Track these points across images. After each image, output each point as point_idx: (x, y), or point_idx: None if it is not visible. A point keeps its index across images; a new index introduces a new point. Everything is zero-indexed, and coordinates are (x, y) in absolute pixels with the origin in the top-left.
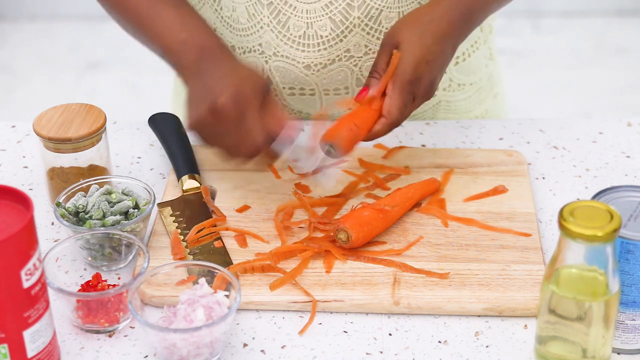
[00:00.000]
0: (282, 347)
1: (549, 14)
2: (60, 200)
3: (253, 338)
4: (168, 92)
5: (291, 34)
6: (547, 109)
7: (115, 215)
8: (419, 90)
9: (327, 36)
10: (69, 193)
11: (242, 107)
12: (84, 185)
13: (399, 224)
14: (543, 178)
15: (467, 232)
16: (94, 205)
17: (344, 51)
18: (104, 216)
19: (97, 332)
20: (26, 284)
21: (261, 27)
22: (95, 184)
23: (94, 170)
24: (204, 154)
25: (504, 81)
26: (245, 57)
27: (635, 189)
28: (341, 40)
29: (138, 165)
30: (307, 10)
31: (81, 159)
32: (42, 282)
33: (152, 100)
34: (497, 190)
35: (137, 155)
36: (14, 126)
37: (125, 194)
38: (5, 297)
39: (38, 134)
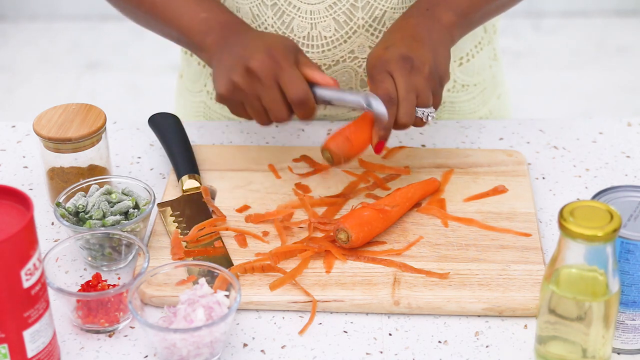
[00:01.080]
0: (282, 347)
1: (549, 14)
2: (60, 200)
3: (253, 338)
4: (168, 92)
5: (295, 35)
6: (547, 109)
7: (115, 215)
8: (391, 65)
9: (330, 37)
10: (69, 193)
11: (278, 61)
12: (84, 185)
13: (399, 224)
14: (543, 178)
15: (467, 232)
16: (94, 205)
17: (348, 52)
18: (104, 216)
19: (97, 332)
20: (26, 284)
21: (265, 28)
22: (95, 184)
23: (94, 170)
24: (204, 154)
25: (507, 82)
26: None
27: (635, 189)
28: (345, 42)
29: (138, 165)
30: (311, 11)
31: (81, 159)
32: (42, 282)
33: (152, 100)
34: (497, 190)
35: (137, 155)
36: (14, 126)
37: (125, 194)
38: (5, 297)
39: (38, 134)
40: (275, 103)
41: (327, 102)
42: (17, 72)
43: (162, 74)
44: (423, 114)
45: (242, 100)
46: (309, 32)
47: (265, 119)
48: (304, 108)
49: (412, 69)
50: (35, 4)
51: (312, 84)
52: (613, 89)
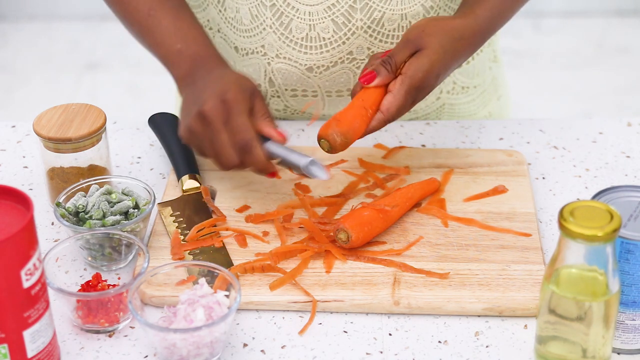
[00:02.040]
0: (282, 347)
1: (549, 14)
2: (60, 200)
3: (253, 338)
4: (168, 92)
5: (294, 36)
6: (547, 109)
7: (115, 215)
8: (419, 96)
9: (329, 38)
10: (69, 193)
11: (229, 108)
12: (84, 185)
13: (399, 224)
14: (543, 178)
15: (467, 232)
16: (94, 205)
17: (346, 54)
18: (104, 216)
19: (97, 332)
20: (26, 284)
21: (264, 29)
22: (95, 184)
23: (94, 170)
24: None
25: (507, 83)
26: (248, 58)
27: (635, 189)
28: (344, 43)
29: (138, 165)
30: (309, 13)
31: (81, 159)
32: (42, 282)
33: (152, 100)
34: (497, 190)
35: (137, 155)
36: (14, 126)
37: (125, 194)
38: (5, 297)
39: (38, 134)
40: (223, 148)
41: (274, 158)
42: (17, 72)
43: (162, 74)
44: None
45: (198, 144)
46: (307, 33)
47: (220, 163)
48: (248, 156)
49: (422, 99)
50: (35, 4)
51: (265, 137)
52: (613, 89)
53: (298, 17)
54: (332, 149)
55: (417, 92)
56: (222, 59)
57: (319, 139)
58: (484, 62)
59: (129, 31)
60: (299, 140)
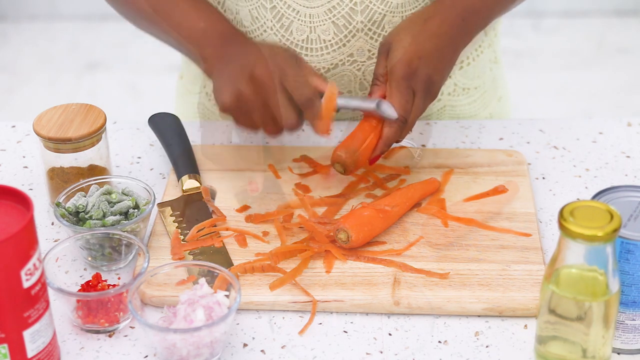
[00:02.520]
0: (282, 347)
1: (549, 14)
2: (60, 200)
3: (253, 338)
4: (168, 92)
5: (294, 38)
6: (547, 109)
7: (115, 215)
8: (416, 85)
9: (330, 40)
10: (68, 193)
11: (282, 66)
12: (83, 185)
13: (399, 224)
14: (543, 178)
15: (467, 232)
16: (93, 205)
17: (347, 56)
18: (104, 216)
19: (97, 332)
20: (26, 284)
21: (264, 31)
22: (95, 184)
23: (94, 170)
24: (204, 155)
25: (507, 84)
26: None
27: (635, 189)
28: (344, 45)
29: (138, 165)
30: (310, 15)
31: (81, 159)
32: (42, 282)
33: (152, 100)
34: (498, 190)
35: (137, 155)
36: (14, 126)
37: (125, 194)
38: (5, 297)
39: (38, 134)
40: (284, 107)
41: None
42: (17, 72)
43: (162, 74)
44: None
45: (248, 110)
46: (308, 36)
47: (274, 127)
48: (312, 109)
49: (428, 96)
50: (35, 4)
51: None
52: (613, 89)
53: (299, 19)
54: (345, 170)
55: (408, 80)
56: (249, 38)
57: (332, 163)
58: (484, 63)
59: (137, 20)
60: (299, 140)
